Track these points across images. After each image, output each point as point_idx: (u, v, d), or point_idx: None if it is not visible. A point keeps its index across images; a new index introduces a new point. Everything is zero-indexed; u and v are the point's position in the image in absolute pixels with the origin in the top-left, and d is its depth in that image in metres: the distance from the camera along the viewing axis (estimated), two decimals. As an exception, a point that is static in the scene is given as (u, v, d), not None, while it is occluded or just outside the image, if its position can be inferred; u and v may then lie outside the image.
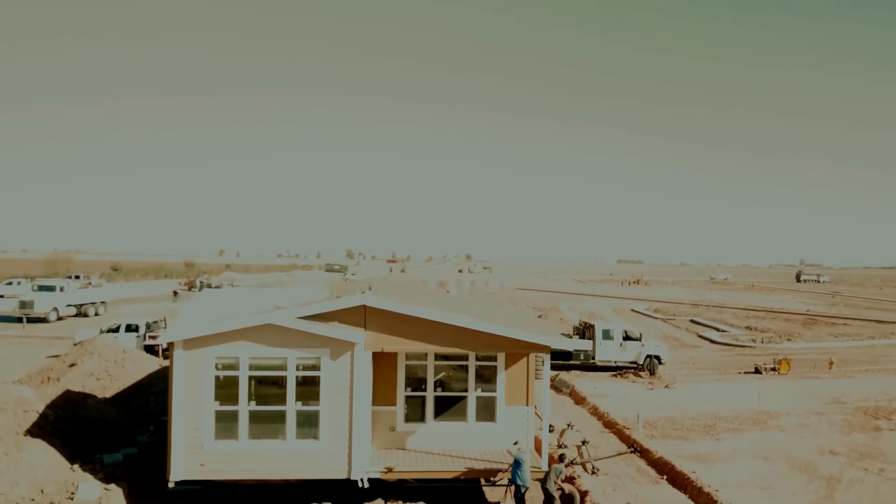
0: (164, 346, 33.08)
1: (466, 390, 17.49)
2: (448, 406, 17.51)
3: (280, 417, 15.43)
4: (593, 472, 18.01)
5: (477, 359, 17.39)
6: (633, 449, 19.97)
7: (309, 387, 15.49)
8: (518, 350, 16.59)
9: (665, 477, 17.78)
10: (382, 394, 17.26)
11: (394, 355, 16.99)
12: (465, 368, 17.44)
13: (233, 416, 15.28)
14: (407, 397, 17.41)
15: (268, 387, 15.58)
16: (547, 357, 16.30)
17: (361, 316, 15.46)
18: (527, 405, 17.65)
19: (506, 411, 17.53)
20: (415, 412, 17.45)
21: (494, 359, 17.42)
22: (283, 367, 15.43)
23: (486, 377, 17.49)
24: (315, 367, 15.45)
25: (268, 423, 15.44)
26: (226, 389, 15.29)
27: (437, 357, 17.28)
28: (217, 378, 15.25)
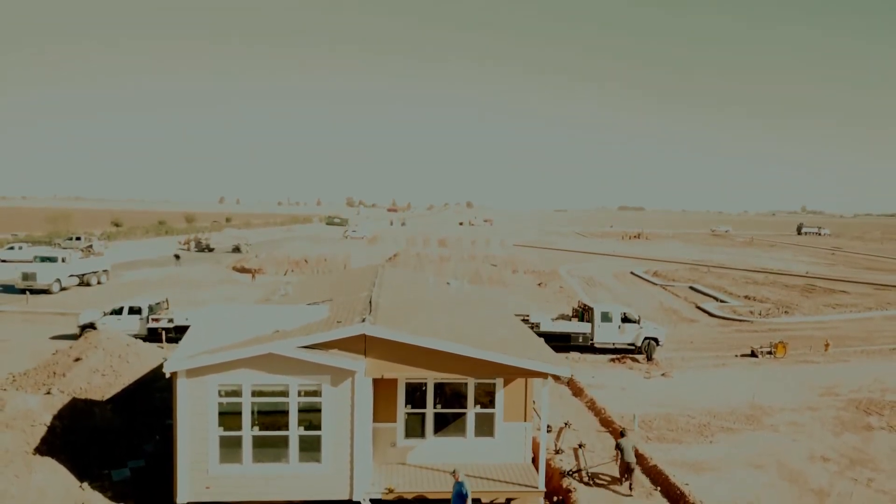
0: (168, 326, 33.52)
1: (466, 406, 17.80)
2: (447, 422, 17.85)
3: (283, 442, 15.78)
4: (588, 483, 18.45)
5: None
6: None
7: (311, 412, 15.78)
8: (517, 376, 16.83)
9: (659, 488, 18.21)
10: (383, 411, 17.58)
11: (394, 375, 17.20)
12: (465, 385, 17.70)
13: (237, 442, 15.63)
14: (407, 414, 17.73)
15: (271, 411, 15.86)
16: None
17: (362, 343, 15.63)
18: (525, 421, 17.99)
19: (504, 427, 17.88)
20: (415, 428, 17.80)
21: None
22: (285, 394, 15.69)
23: (486, 395, 17.77)
24: (316, 394, 15.71)
25: (271, 447, 15.80)
26: (229, 415, 15.58)
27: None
28: (220, 404, 15.53)
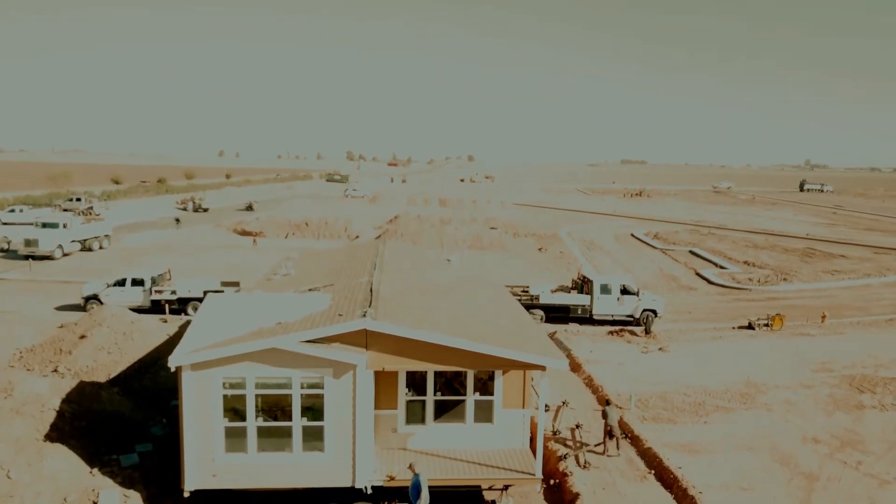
0: (171, 298, 33.86)
1: (465, 393, 18.15)
2: (447, 409, 18.21)
3: (287, 432, 16.17)
4: (584, 466, 18.93)
5: (476, 366, 17.90)
6: (623, 435, 20.88)
7: (314, 403, 16.13)
8: (516, 368, 17.11)
9: (653, 472, 18.72)
10: (384, 398, 17.92)
11: (395, 364, 17.50)
12: (465, 372, 18.01)
13: (241, 432, 16.02)
14: (408, 401, 18.09)
15: (274, 402, 16.22)
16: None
17: (363, 337, 15.86)
18: (523, 408, 18.36)
19: (503, 413, 18.25)
20: (415, 415, 18.18)
21: (493, 366, 17.95)
22: (288, 386, 16.01)
23: (485, 382, 18.10)
24: (319, 386, 16.02)
25: (275, 437, 16.20)
26: (234, 406, 15.94)
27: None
28: (225, 396, 15.87)
